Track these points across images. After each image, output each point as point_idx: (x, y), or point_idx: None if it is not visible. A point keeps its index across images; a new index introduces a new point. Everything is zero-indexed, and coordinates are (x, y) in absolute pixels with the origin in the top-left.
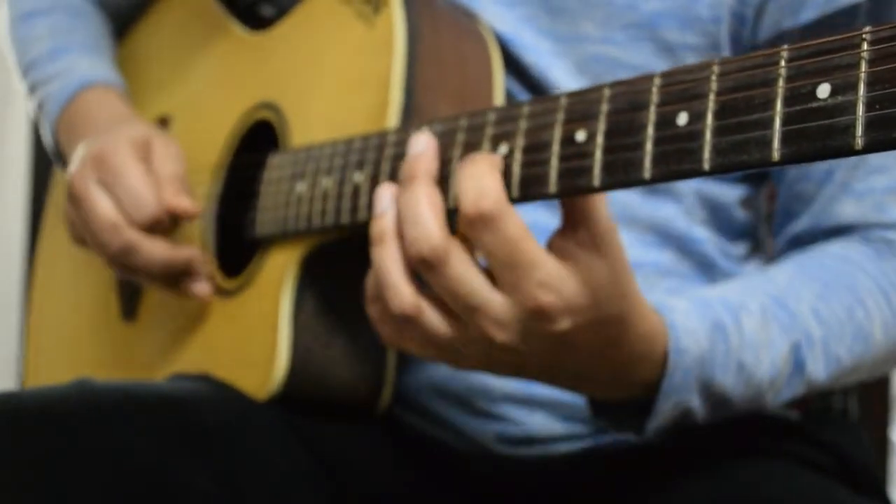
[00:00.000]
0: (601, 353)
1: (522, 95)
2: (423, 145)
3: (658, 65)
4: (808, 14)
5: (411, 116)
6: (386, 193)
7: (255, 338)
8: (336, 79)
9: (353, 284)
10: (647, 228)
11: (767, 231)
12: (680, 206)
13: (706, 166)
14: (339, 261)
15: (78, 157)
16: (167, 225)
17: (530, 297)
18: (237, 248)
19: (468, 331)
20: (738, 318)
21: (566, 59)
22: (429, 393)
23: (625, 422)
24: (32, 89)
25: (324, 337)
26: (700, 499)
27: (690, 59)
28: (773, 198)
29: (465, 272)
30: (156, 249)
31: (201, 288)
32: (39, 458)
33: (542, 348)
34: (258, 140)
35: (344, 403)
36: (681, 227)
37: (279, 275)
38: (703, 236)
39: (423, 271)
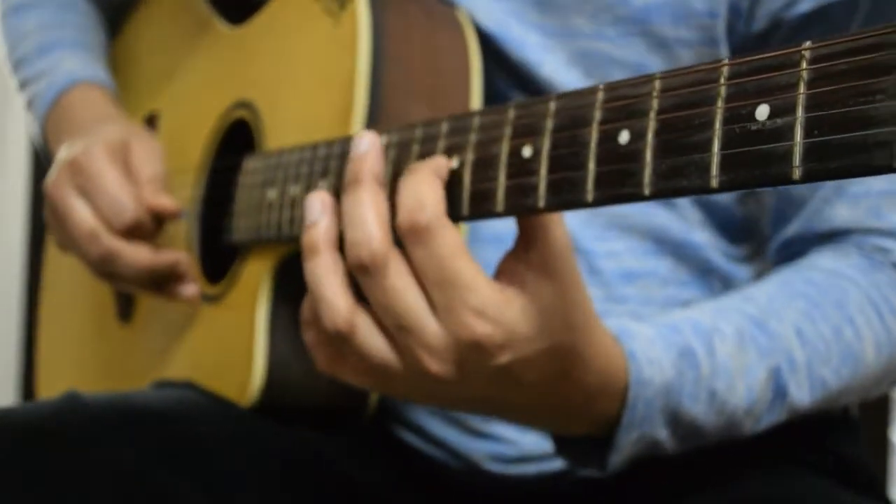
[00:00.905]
0: (551, 387)
1: (513, 93)
2: (366, 145)
3: (652, 61)
4: (806, 5)
5: (378, 118)
6: (316, 202)
7: (233, 346)
8: (304, 78)
9: None
10: (643, 236)
11: (768, 229)
12: (674, 211)
13: (646, 191)
14: None
15: (55, 163)
16: (149, 227)
17: (464, 326)
18: (220, 252)
19: (404, 357)
20: (711, 344)
21: (558, 53)
22: (421, 410)
23: (588, 456)
24: (22, 86)
25: (301, 345)
26: (703, 501)
27: (685, 55)
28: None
29: (402, 286)
30: (138, 255)
31: (188, 291)
32: (31, 474)
33: (481, 383)
34: (239, 139)
35: (327, 412)
36: (678, 233)
37: (255, 282)
38: (702, 241)
39: (360, 278)
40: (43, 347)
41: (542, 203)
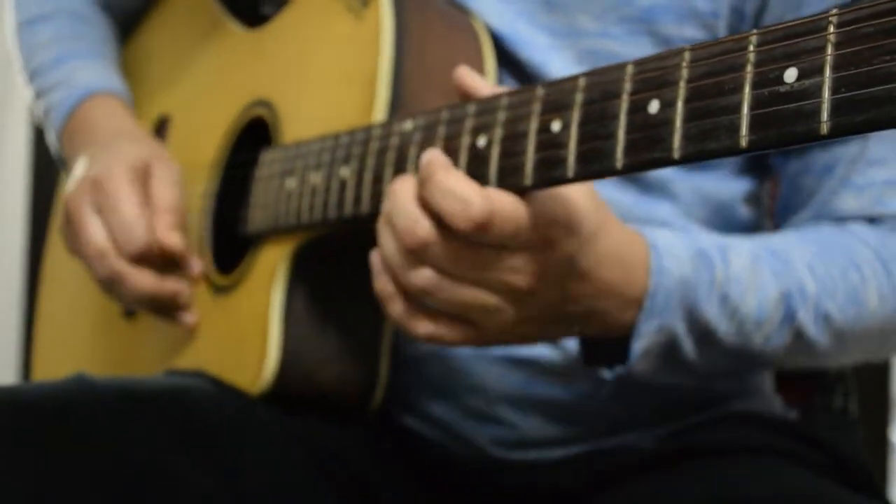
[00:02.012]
0: (597, 271)
1: None
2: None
3: None
4: (812, 8)
5: (398, 112)
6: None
7: (247, 334)
8: (326, 74)
9: (345, 280)
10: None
11: (771, 228)
12: (677, 206)
13: (676, 154)
14: (329, 257)
15: (75, 176)
16: (157, 257)
17: (536, 238)
18: (233, 245)
19: (486, 291)
20: (726, 255)
21: (564, 53)
22: (424, 394)
23: (614, 353)
24: (38, 96)
25: (315, 333)
26: (696, 498)
27: None
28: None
29: (464, 248)
30: (142, 281)
31: (188, 319)
32: (38, 451)
33: (556, 278)
34: (255, 137)
35: (335, 401)
36: (679, 228)
37: (270, 271)
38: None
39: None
40: (41, 342)
41: (570, 174)
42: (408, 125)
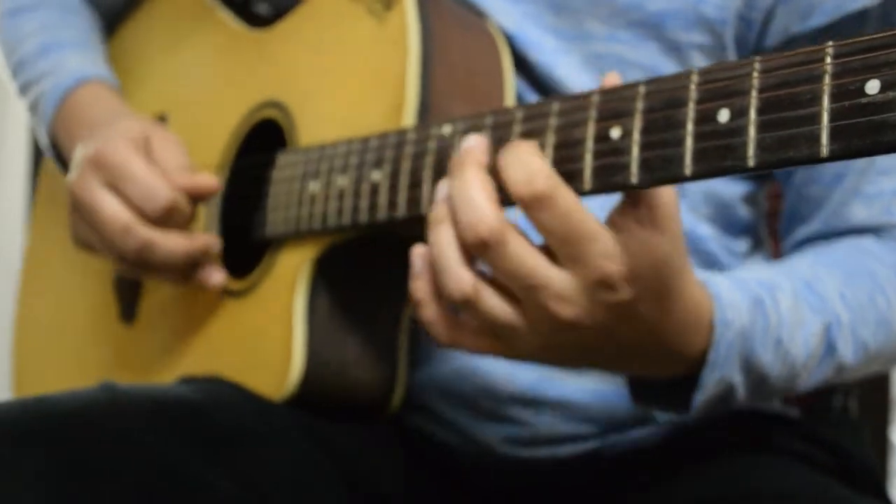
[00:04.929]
0: (657, 325)
1: (528, 93)
2: (474, 140)
3: (665, 64)
4: (818, 19)
5: (427, 115)
6: (443, 185)
7: (267, 339)
8: (346, 77)
9: (367, 284)
10: None
11: (766, 228)
12: (686, 203)
13: (751, 163)
14: (352, 260)
15: (76, 162)
16: (185, 211)
17: (594, 268)
18: (242, 250)
19: (529, 312)
20: (774, 296)
21: (572, 56)
22: (435, 394)
23: (670, 399)
24: (24, 88)
25: (337, 337)
26: (703, 497)
27: (697, 59)
28: (775, 196)
29: (524, 251)
30: (174, 243)
31: (216, 276)
32: (66, 460)
33: (604, 321)
34: (260, 140)
35: (356, 404)
36: (686, 224)
37: (292, 275)
38: (708, 233)
39: (481, 254)
40: (24, 349)
41: (634, 180)
42: (446, 129)
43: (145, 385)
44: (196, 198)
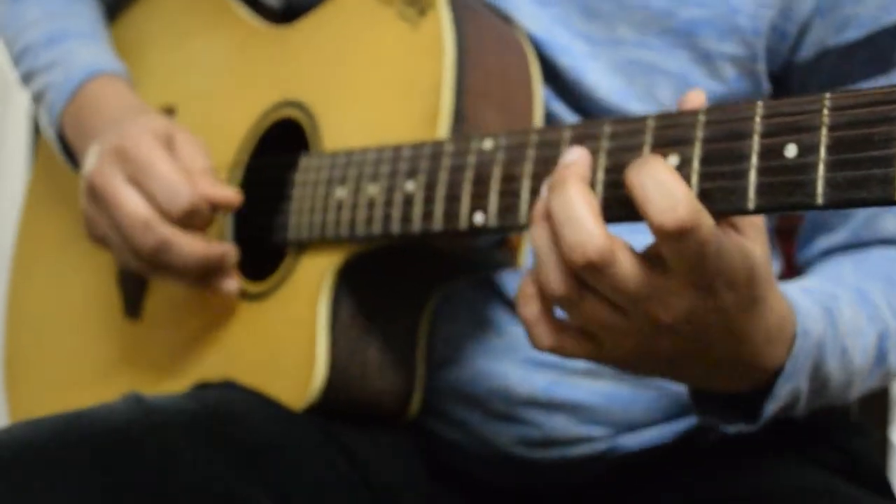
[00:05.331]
0: (747, 333)
1: (554, 102)
2: (576, 154)
3: (696, 72)
4: (854, 33)
5: (461, 124)
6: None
7: (288, 346)
8: (375, 82)
9: (388, 290)
10: None
11: (777, 239)
12: None
13: (820, 200)
14: (376, 267)
15: (95, 152)
16: (204, 216)
17: (706, 278)
18: (255, 251)
19: (631, 316)
20: (839, 306)
21: (600, 61)
22: (447, 397)
23: (737, 410)
24: (28, 76)
25: (359, 345)
26: (713, 497)
27: (727, 68)
28: None
29: (632, 269)
30: (192, 245)
31: (231, 284)
32: (109, 484)
33: (703, 326)
34: (277, 139)
35: (376, 411)
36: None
37: (315, 281)
38: None
39: (588, 275)
40: (16, 341)
41: None
42: (487, 144)
43: (172, 397)
44: (216, 209)
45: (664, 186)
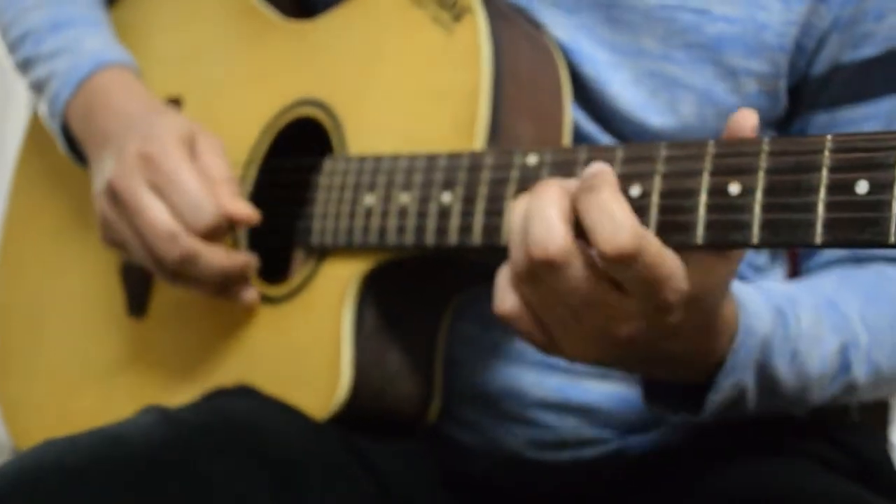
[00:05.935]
0: (695, 339)
1: (575, 110)
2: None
3: (719, 88)
4: (870, 49)
5: (497, 133)
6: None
7: (311, 353)
8: (405, 85)
9: (412, 298)
10: None
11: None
12: None
13: (893, 239)
14: (401, 276)
15: (115, 154)
16: (224, 231)
17: (661, 299)
18: (265, 250)
19: (584, 320)
20: (797, 310)
21: (623, 71)
22: (459, 399)
23: (684, 401)
24: (28, 63)
25: (382, 354)
26: (722, 497)
27: (752, 85)
28: None
29: (586, 275)
30: (216, 257)
31: (251, 294)
32: (127, 493)
33: (652, 337)
34: (292, 137)
35: (396, 418)
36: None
37: (340, 288)
38: None
39: (543, 271)
40: (5, 330)
41: (755, 240)
42: (532, 159)
43: (198, 409)
44: (232, 224)
45: (607, 213)
